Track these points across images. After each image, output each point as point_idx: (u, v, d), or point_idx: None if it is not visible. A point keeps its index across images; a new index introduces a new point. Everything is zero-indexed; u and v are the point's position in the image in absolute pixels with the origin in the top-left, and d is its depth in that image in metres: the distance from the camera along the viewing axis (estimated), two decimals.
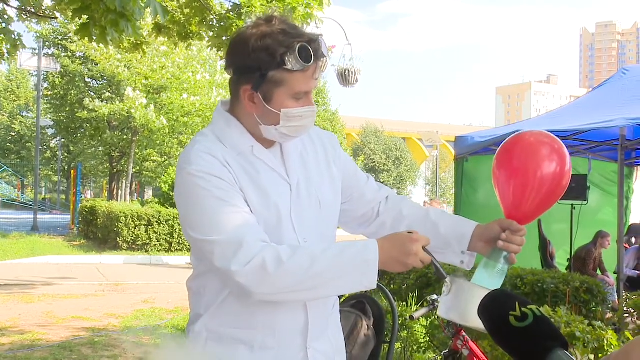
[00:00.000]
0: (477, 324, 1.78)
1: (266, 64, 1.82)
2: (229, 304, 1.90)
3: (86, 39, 5.45)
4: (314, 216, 1.95)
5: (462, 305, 1.84)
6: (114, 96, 25.06)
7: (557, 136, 2.13)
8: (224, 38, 6.67)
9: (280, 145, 1.99)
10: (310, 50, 1.81)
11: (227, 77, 1.98)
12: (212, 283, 1.92)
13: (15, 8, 7.11)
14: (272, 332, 1.91)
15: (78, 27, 5.51)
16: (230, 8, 6.63)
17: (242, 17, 6.37)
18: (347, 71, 10.77)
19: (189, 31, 7.44)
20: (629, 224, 10.58)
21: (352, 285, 1.81)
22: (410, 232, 1.83)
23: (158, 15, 5.25)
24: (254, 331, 1.90)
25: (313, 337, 1.96)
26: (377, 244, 1.79)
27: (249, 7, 6.27)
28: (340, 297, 2.63)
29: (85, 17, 5.36)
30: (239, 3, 6.58)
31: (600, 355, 4.38)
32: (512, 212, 1.99)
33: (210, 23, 6.88)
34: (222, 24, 6.59)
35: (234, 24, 6.36)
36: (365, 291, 2.82)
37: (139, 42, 7.68)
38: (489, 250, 1.99)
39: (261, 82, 1.84)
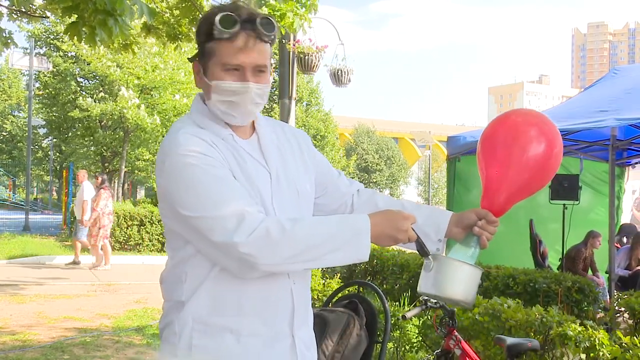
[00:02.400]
0: (455, 295, 1.97)
1: (202, 35, 1.89)
2: (213, 288, 1.88)
3: (75, 38, 5.42)
4: (293, 205, 1.98)
5: (444, 279, 1.96)
6: (107, 96, 24.97)
7: None
8: None
9: (257, 136, 2.01)
10: (232, 17, 1.84)
11: None
12: (194, 269, 1.89)
13: (6, 7, 7.07)
14: (260, 318, 1.90)
15: (67, 26, 5.49)
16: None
17: None
18: (339, 71, 10.75)
19: (177, 32, 7.42)
20: (620, 223, 10.63)
21: (347, 257, 1.84)
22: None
23: (144, 16, 5.24)
24: (240, 318, 1.89)
25: (298, 324, 1.98)
26: (369, 218, 1.85)
27: None
28: (332, 296, 2.63)
29: (74, 16, 5.33)
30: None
31: (591, 354, 4.40)
32: (489, 205, 2.09)
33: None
34: None
35: None
36: (357, 291, 2.82)
37: (128, 42, 7.66)
38: (463, 236, 2.09)
39: (202, 54, 1.91)
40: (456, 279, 1.96)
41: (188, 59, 2.02)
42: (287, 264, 1.81)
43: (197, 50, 1.97)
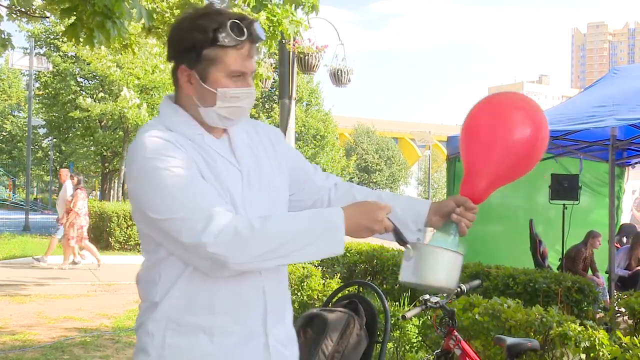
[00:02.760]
0: (437, 282, 1.96)
1: (200, 42, 1.87)
2: (186, 288, 1.89)
3: (73, 40, 5.42)
4: (265, 203, 1.97)
5: (425, 266, 1.94)
6: (107, 96, 24.99)
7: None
8: None
9: (228, 136, 2.02)
10: (242, 26, 1.86)
11: None
12: (167, 269, 1.90)
13: (5, 7, 7.07)
14: (232, 316, 1.90)
15: (66, 28, 5.49)
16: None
17: None
18: (339, 71, 10.75)
19: None
20: (620, 223, 10.63)
21: (321, 252, 1.86)
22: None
23: (142, 19, 5.25)
24: (213, 317, 1.89)
25: (271, 323, 1.97)
26: (343, 211, 1.86)
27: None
28: (332, 296, 2.63)
29: (73, 17, 5.33)
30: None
31: (591, 354, 4.40)
32: (469, 191, 2.09)
33: None
34: None
35: None
36: (357, 291, 2.82)
37: (128, 43, 7.65)
38: (442, 224, 2.09)
39: (197, 60, 1.89)
40: (437, 265, 1.95)
41: (172, 71, 1.99)
42: (259, 262, 1.81)
43: (177, 59, 1.96)
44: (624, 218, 11.11)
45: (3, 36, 7.30)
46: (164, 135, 1.89)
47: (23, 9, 7.11)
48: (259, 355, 1.95)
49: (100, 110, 22.62)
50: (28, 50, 25.57)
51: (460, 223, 2.04)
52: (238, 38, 1.85)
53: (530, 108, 2.09)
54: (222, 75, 1.89)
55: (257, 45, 1.92)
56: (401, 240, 1.96)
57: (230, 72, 1.89)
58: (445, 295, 4.45)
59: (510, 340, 4.18)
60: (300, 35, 6.70)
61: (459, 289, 4.49)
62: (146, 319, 1.94)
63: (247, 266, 1.82)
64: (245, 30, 1.86)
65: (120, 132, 26.21)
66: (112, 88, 24.78)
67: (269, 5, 6.38)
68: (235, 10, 6.20)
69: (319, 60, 10.27)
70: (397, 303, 6.66)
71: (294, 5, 6.43)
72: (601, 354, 4.34)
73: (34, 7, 7.51)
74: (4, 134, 45.19)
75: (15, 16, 7.61)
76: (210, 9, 1.92)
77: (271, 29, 6.27)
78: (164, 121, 1.96)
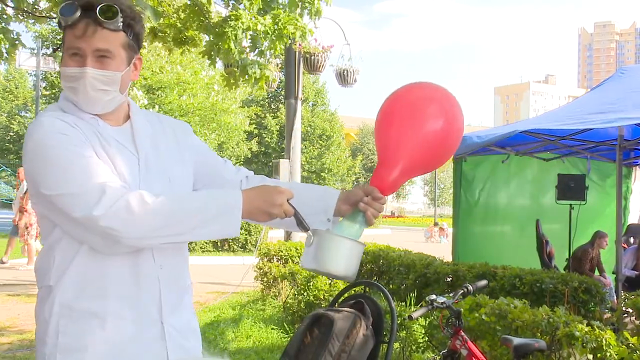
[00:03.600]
0: (334, 269, 1.97)
1: (60, 25, 1.89)
2: (79, 271, 1.87)
3: None
4: (163, 192, 1.94)
5: (323, 253, 1.96)
6: None
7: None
8: (216, 46, 6.62)
9: (130, 125, 2.01)
10: (72, 5, 1.84)
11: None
12: (62, 252, 1.88)
13: (13, 8, 7.10)
14: (125, 301, 1.89)
15: None
16: (225, 17, 6.59)
17: (233, 27, 6.31)
18: (345, 71, 10.77)
19: (184, 36, 7.41)
20: (628, 224, 10.59)
21: (217, 231, 1.87)
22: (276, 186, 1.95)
23: (149, 17, 5.23)
24: (106, 302, 1.87)
25: (167, 311, 1.96)
26: (241, 193, 1.87)
27: (236, 19, 6.22)
28: (338, 296, 2.62)
29: None
30: (228, 15, 6.54)
31: (598, 355, 4.38)
32: (378, 181, 2.11)
33: (207, 27, 6.84)
34: (217, 29, 6.55)
35: (227, 33, 6.31)
36: (364, 291, 2.81)
37: None
38: (350, 212, 2.11)
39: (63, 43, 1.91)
40: (337, 253, 1.97)
41: (53, 49, 2.04)
42: (152, 238, 1.80)
43: None
44: (632, 218, 11.06)
45: (13, 35, 7.32)
46: (60, 116, 1.89)
47: (29, 10, 7.13)
48: (154, 344, 1.93)
49: None
50: (35, 51, 25.66)
51: (367, 212, 2.05)
52: (65, 18, 1.84)
53: (445, 101, 2.11)
54: (66, 55, 1.88)
55: (103, 25, 1.85)
56: (302, 225, 1.97)
57: (68, 51, 1.87)
58: (452, 295, 4.45)
59: (517, 340, 4.17)
60: (305, 37, 6.68)
61: (465, 289, 4.48)
62: (42, 306, 1.92)
63: (141, 242, 1.81)
64: (76, 9, 1.83)
65: None
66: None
67: (275, 9, 6.37)
68: (243, 13, 6.20)
69: (325, 60, 10.29)
70: (404, 303, 6.66)
71: (299, 9, 6.43)
72: (608, 354, 4.33)
73: (40, 8, 7.53)
74: (11, 134, 45.35)
75: (22, 17, 7.63)
76: None
77: (276, 32, 6.25)
78: (60, 105, 1.95)
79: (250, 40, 6.38)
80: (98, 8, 1.83)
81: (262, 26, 6.15)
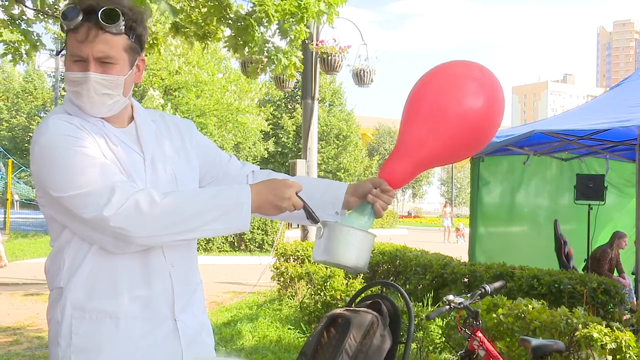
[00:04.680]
0: (345, 260, 1.97)
1: (63, 29, 1.89)
2: (89, 271, 1.88)
3: None
4: (169, 188, 1.95)
5: (334, 244, 1.97)
6: (136, 98, 25.24)
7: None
8: (239, 40, 6.65)
9: (135, 126, 2.01)
10: (74, 9, 1.83)
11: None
12: (71, 254, 1.89)
13: (32, 9, 7.15)
14: (137, 300, 1.89)
15: None
16: (248, 11, 6.63)
17: (257, 20, 6.35)
18: (362, 71, 10.76)
19: (206, 31, 7.43)
20: None
21: (227, 227, 1.86)
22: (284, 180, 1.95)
23: (167, 13, 5.24)
24: (118, 301, 1.87)
25: (179, 308, 1.97)
26: (250, 188, 1.87)
27: (261, 6, 6.24)
28: (355, 296, 2.62)
29: None
30: (252, 8, 6.57)
31: (618, 356, 4.34)
32: (388, 173, 2.10)
33: (229, 21, 6.87)
34: (239, 24, 6.57)
35: (251, 27, 6.34)
36: (381, 291, 2.81)
37: (154, 42, 7.70)
38: (358, 204, 2.12)
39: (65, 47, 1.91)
40: (347, 244, 1.97)
41: (56, 52, 2.05)
42: (163, 236, 1.81)
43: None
44: None
45: (33, 36, 7.39)
46: (66, 118, 1.90)
47: (49, 10, 7.18)
48: (168, 340, 1.94)
49: None
50: (54, 52, 25.87)
51: (375, 204, 2.06)
52: (67, 22, 1.83)
53: (483, 79, 2.07)
54: (69, 59, 1.88)
55: (105, 29, 1.85)
56: (312, 217, 1.97)
57: (71, 56, 1.87)
58: (469, 295, 4.43)
59: (535, 341, 4.14)
60: (331, 22, 6.66)
61: (482, 290, 4.46)
62: (54, 308, 1.92)
63: (152, 240, 1.82)
64: (78, 13, 1.82)
65: None
66: (136, 89, 24.98)
67: None
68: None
69: (341, 60, 10.28)
70: (421, 303, 6.64)
71: None
72: (628, 356, 4.29)
73: (60, 9, 7.59)
74: (31, 134, 45.72)
75: (42, 18, 7.69)
76: None
77: (301, 14, 6.25)
78: (66, 107, 1.96)
79: (277, 25, 6.40)
80: (100, 12, 1.82)
81: (288, 7, 6.17)
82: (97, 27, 1.83)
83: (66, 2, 1.98)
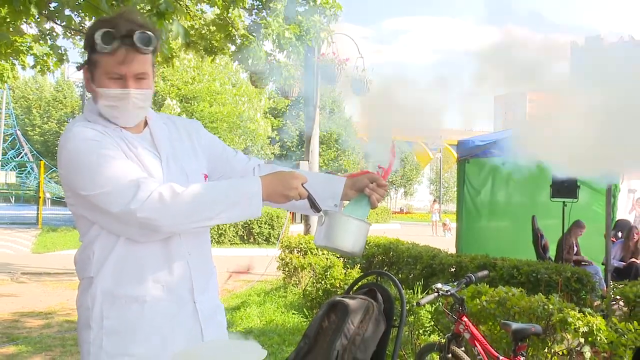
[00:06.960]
0: (343, 245, 2.02)
1: (88, 47, 1.89)
2: (117, 261, 1.90)
3: None
4: (183, 184, 1.95)
5: (334, 231, 2.02)
6: (153, 106, 25.27)
7: None
8: (244, 52, 6.74)
9: (149, 130, 2.03)
10: (111, 34, 1.84)
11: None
12: (100, 246, 1.91)
13: (62, 26, 7.17)
14: (161, 285, 1.92)
15: None
16: (249, 24, 6.70)
17: (260, 37, 6.42)
18: (359, 81, 10.75)
19: (214, 46, 7.51)
20: (616, 219, 10.47)
21: (242, 214, 1.90)
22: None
23: (179, 36, 5.33)
24: (143, 286, 1.90)
25: (198, 292, 2.00)
26: (260, 179, 1.91)
27: (266, 27, 6.31)
28: (353, 285, 2.62)
29: None
30: (258, 22, 6.63)
31: (589, 339, 4.34)
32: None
33: (234, 38, 6.95)
34: (243, 39, 6.66)
35: (253, 42, 6.41)
36: (376, 280, 2.81)
37: (169, 57, 7.73)
38: (356, 196, 2.17)
39: (89, 62, 1.91)
40: (346, 231, 2.01)
41: (77, 67, 2.04)
42: (185, 224, 1.84)
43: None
44: (620, 214, 10.93)
45: (60, 51, 7.42)
46: (88, 125, 1.91)
47: (76, 28, 7.20)
48: (188, 320, 1.98)
49: None
50: (77, 66, 25.90)
51: (371, 196, 2.11)
52: (105, 46, 1.83)
53: None
54: (103, 77, 1.89)
55: (140, 51, 1.87)
56: (315, 206, 2.01)
57: (108, 74, 1.88)
58: (456, 283, 4.43)
59: (515, 325, 4.14)
60: (328, 41, 6.75)
61: (468, 279, 4.46)
62: (84, 296, 1.94)
63: (176, 227, 1.85)
64: (115, 38, 1.83)
65: None
66: (156, 98, 25.01)
67: (298, 16, 6.44)
68: (272, 21, 6.24)
69: (340, 72, 10.28)
70: (412, 291, 6.64)
71: (319, 14, 6.51)
72: (598, 338, 4.29)
73: (87, 26, 7.60)
74: None
75: (69, 34, 7.71)
76: (114, 16, 1.91)
77: (301, 37, 6.35)
78: (87, 117, 1.97)
79: (277, 45, 6.48)
80: (135, 37, 1.85)
81: (289, 33, 6.24)
82: (133, 49, 1.86)
83: (93, 22, 1.96)
